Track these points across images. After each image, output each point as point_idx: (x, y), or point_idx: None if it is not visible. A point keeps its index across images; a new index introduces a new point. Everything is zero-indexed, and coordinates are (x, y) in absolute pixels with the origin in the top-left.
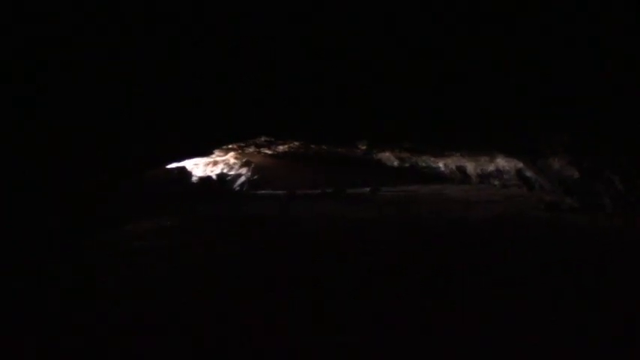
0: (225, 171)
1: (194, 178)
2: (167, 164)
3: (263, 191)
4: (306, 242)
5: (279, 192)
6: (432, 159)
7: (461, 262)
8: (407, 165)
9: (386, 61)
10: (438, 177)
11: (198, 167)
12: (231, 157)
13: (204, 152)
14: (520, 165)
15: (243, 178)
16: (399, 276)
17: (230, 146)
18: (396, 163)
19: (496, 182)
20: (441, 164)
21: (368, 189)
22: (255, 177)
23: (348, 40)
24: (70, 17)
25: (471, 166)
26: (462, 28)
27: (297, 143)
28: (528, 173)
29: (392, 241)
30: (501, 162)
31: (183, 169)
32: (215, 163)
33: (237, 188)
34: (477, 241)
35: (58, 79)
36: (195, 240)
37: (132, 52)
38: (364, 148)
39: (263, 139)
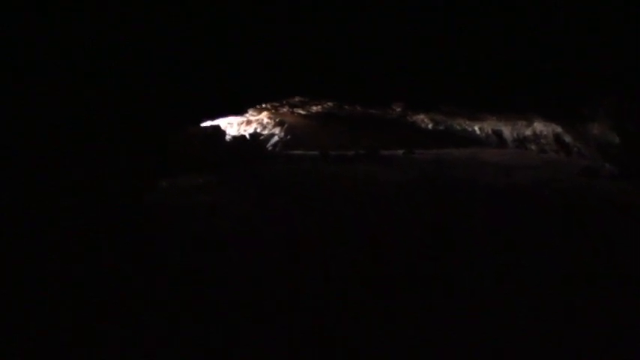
0: (258, 130)
1: (228, 137)
2: (201, 122)
3: (296, 151)
4: (338, 202)
5: (313, 152)
6: (467, 122)
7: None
8: (441, 128)
9: (421, 22)
10: (472, 140)
11: (232, 126)
12: (264, 116)
13: (239, 111)
14: (558, 129)
15: (276, 138)
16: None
17: (264, 106)
18: (430, 126)
19: (533, 147)
20: (476, 127)
21: (401, 151)
22: (289, 137)
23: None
24: None
25: (507, 130)
26: None
27: (330, 104)
28: (567, 138)
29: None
30: (539, 126)
31: (217, 127)
32: (249, 122)
33: (271, 148)
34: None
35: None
36: (230, 199)
37: (164, 13)
38: (399, 109)
39: (297, 99)
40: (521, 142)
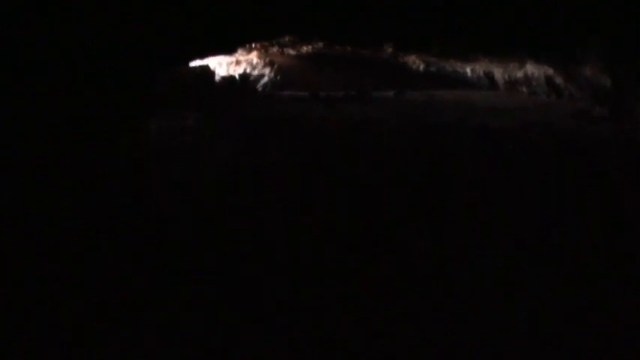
0: (248, 71)
1: (217, 78)
2: (190, 62)
3: (286, 92)
4: (329, 154)
5: (302, 93)
6: (459, 64)
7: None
8: (433, 69)
9: None
10: (464, 82)
11: (222, 67)
12: (254, 56)
13: (228, 50)
14: (550, 72)
15: (266, 79)
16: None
17: (253, 45)
18: (421, 67)
19: (524, 89)
20: (467, 69)
21: (392, 92)
22: (278, 77)
23: None
24: None
25: (498, 72)
26: None
27: (321, 44)
28: (558, 80)
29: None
30: (530, 68)
31: (206, 68)
32: (238, 62)
33: (260, 88)
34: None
35: None
36: (219, 143)
37: None
38: (390, 50)
39: (287, 38)
40: (512, 84)
